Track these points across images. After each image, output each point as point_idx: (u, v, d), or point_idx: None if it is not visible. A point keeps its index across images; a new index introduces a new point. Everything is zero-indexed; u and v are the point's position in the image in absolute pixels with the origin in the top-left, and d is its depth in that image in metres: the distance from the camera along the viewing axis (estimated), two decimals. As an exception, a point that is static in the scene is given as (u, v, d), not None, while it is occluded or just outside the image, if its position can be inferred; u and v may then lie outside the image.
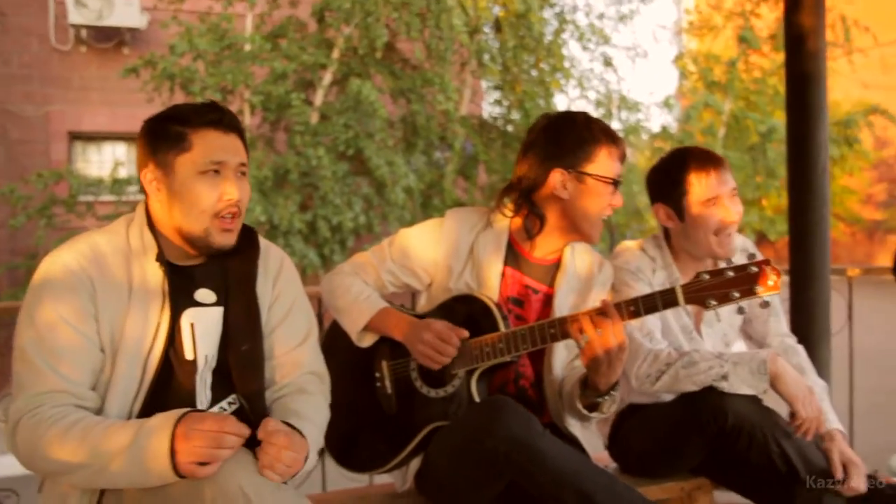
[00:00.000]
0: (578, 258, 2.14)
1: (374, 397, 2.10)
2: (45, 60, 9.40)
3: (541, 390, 2.10)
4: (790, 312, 3.00)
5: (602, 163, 1.99)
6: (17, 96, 9.28)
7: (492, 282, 2.03)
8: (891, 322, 3.41)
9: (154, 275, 1.60)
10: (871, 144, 16.47)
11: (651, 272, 2.21)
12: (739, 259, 2.27)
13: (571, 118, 2.03)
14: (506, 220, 2.08)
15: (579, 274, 2.13)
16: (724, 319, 2.29)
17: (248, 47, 8.25)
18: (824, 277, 2.94)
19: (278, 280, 1.78)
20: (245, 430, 1.40)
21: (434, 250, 2.08)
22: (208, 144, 1.61)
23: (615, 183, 2.00)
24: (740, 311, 1.76)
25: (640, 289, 2.14)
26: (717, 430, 1.98)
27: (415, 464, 2.05)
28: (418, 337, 1.95)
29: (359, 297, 2.06)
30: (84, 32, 9.36)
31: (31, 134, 9.36)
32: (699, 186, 2.14)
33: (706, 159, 2.15)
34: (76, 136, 9.75)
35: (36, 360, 1.49)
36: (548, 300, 2.09)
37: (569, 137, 2.00)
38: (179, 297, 1.63)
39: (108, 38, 9.51)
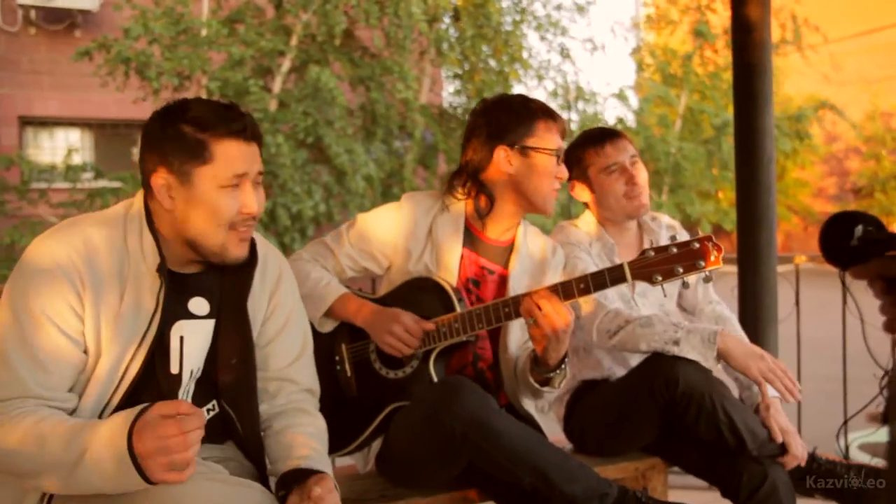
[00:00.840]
0: (531, 240, 2.20)
1: (335, 380, 2.12)
2: (-7, 42, 9.15)
3: (498, 372, 2.14)
4: (738, 299, 3.09)
5: (542, 136, 2.06)
6: (-37, 79, 9.03)
7: (452, 264, 2.07)
8: (837, 312, 3.53)
9: (151, 282, 1.50)
10: (821, 139, 16.92)
11: (588, 244, 2.37)
12: (664, 236, 2.41)
13: (508, 99, 2.12)
14: (461, 203, 2.13)
15: (532, 256, 2.18)
16: (657, 290, 2.38)
17: (204, 32, 8.14)
18: (771, 263, 3.03)
19: (276, 293, 1.71)
20: (202, 417, 1.34)
21: (393, 233, 2.11)
22: (231, 157, 1.49)
23: (557, 155, 2.08)
24: (684, 285, 1.84)
25: (585, 258, 2.29)
26: (669, 398, 2.05)
27: (376, 445, 2.08)
28: (386, 328, 1.98)
29: (318, 283, 2.07)
30: (33, 13, 9.14)
31: (-21, 118, 9.12)
32: (598, 157, 2.36)
33: (600, 134, 2.40)
34: (27, 122, 9.52)
35: (13, 361, 1.40)
36: (503, 281, 2.13)
37: (508, 116, 2.08)
38: (172, 306, 1.54)
39: (58, 20, 9.29)
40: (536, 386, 2.00)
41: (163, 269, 1.50)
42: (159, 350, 1.52)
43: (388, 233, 2.11)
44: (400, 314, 1.99)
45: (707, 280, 1.81)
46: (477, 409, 1.79)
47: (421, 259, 2.08)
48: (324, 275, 2.10)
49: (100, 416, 1.48)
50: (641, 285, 2.33)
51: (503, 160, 2.05)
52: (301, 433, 1.64)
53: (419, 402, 1.93)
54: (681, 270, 1.76)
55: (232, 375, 1.61)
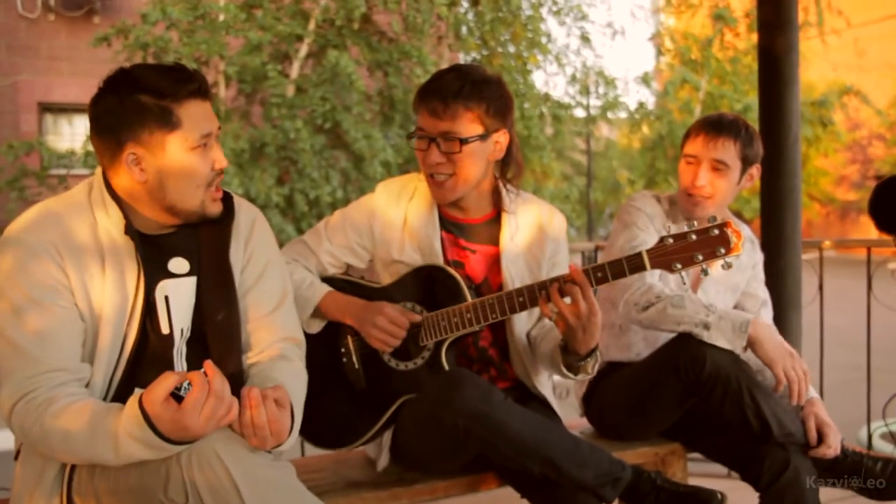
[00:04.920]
0: (523, 211, 2.11)
1: (342, 373, 2.08)
2: (12, 29, 9.19)
3: (500, 349, 2.10)
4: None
5: (418, 120, 1.99)
6: (-17, 65, 9.09)
7: (435, 249, 2.03)
8: (857, 301, 3.48)
9: (126, 247, 1.54)
10: (844, 126, 16.66)
11: (662, 224, 2.26)
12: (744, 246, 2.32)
13: None
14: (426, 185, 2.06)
15: (526, 227, 2.10)
16: (721, 294, 2.32)
17: (222, 17, 8.12)
18: (795, 246, 2.97)
19: (250, 240, 1.71)
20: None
21: (368, 226, 2.07)
22: (195, 118, 1.51)
23: (417, 137, 1.98)
24: (704, 273, 1.75)
25: (646, 235, 2.20)
26: (694, 378, 2.01)
27: (387, 437, 2.04)
28: (371, 321, 1.94)
29: (301, 284, 2.02)
30: (52, 0, 9.17)
31: (0, 104, 9.17)
32: (689, 141, 2.27)
33: (709, 123, 2.24)
34: (47, 108, 9.58)
35: (20, 342, 1.43)
36: (492, 258, 2.07)
37: None
38: (153, 267, 1.56)
39: (77, 6, 9.32)
40: (570, 375, 1.95)
41: (130, 231, 1.53)
42: (148, 312, 1.55)
43: (364, 225, 2.07)
44: (384, 306, 1.94)
45: (726, 267, 1.74)
46: (478, 403, 1.75)
47: (403, 248, 2.04)
48: (306, 275, 2.06)
49: (109, 384, 1.52)
50: (705, 284, 2.29)
51: None
52: (274, 375, 1.62)
53: (422, 397, 1.89)
54: (700, 258, 1.71)
55: (220, 334, 1.63)
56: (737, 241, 1.70)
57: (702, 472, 3.01)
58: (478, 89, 1.92)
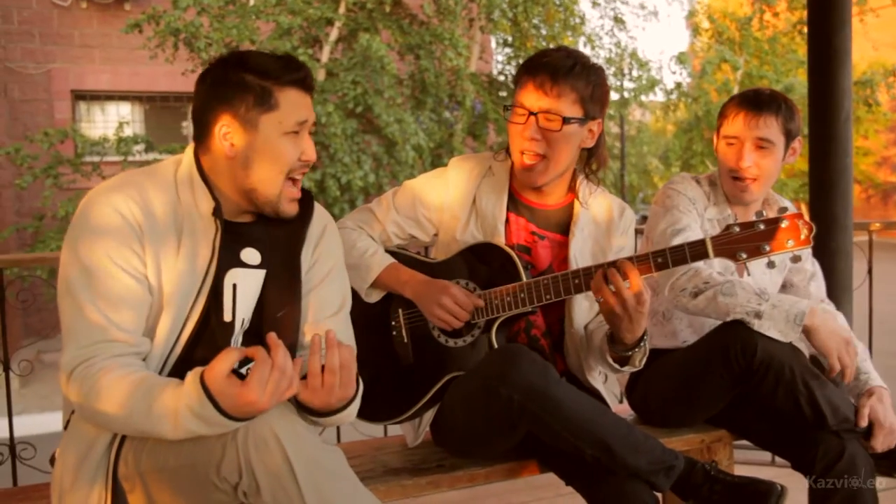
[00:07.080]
0: (594, 202, 2.07)
1: (390, 346, 2.06)
2: (46, 17, 9.28)
3: (553, 340, 2.06)
4: (810, 265, 2.95)
5: (519, 92, 1.93)
6: (17, 54, 9.20)
7: (498, 230, 1.99)
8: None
9: (205, 230, 1.55)
10: (887, 106, 16.23)
11: (703, 207, 2.21)
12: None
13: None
14: (506, 166, 2.03)
15: (596, 219, 2.07)
16: (768, 273, 2.24)
17: (252, 2, 8.12)
18: (847, 228, 2.86)
19: (319, 245, 1.72)
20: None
21: (439, 200, 2.05)
22: (294, 104, 1.56)
23: (519, 111, 1.92)
24: (770, 265, 1.72)
25: (689, 218, 2.14)
26: (745, 366, 1.94)
27: (428, 416, 2.02)
28: (435, 300, 1.91)
29: (365, 252, 2.02)
30: (84, -12, 9.23)
31: (34, 92, 9.28)
32: (727, 122, 2.17)
33: (748, 101, 2.15)
34: (80, 96, 9.67)
35: (88, 305, 1.44)
36: (559, 246, 2.03)
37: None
38: (226, 254, 1.57)
39: (109, -7, 9.37)
40: (616, 366, 1.92)
41: (218, 213, 1.54)
42: (214, 298, 1.56)
43: (434, 199, 2.05)
44: (449, 286, 1.92)
45: (795, 260, 1.69)
46: (536, 379, 1.72)
47: (467, 227, 2.01)
48: (370, 244, 2.05)
49: (164, 364, 1.52)
50: (752, 265, 2.22)
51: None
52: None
53: (476, 371, 1.87)
54: (767, 248, 1.66)
55: (277, 330, 1.59)
56: (808, 234, 1.65)
57: (744, 460, 2.94)
58: (587, 72, 1.90)
